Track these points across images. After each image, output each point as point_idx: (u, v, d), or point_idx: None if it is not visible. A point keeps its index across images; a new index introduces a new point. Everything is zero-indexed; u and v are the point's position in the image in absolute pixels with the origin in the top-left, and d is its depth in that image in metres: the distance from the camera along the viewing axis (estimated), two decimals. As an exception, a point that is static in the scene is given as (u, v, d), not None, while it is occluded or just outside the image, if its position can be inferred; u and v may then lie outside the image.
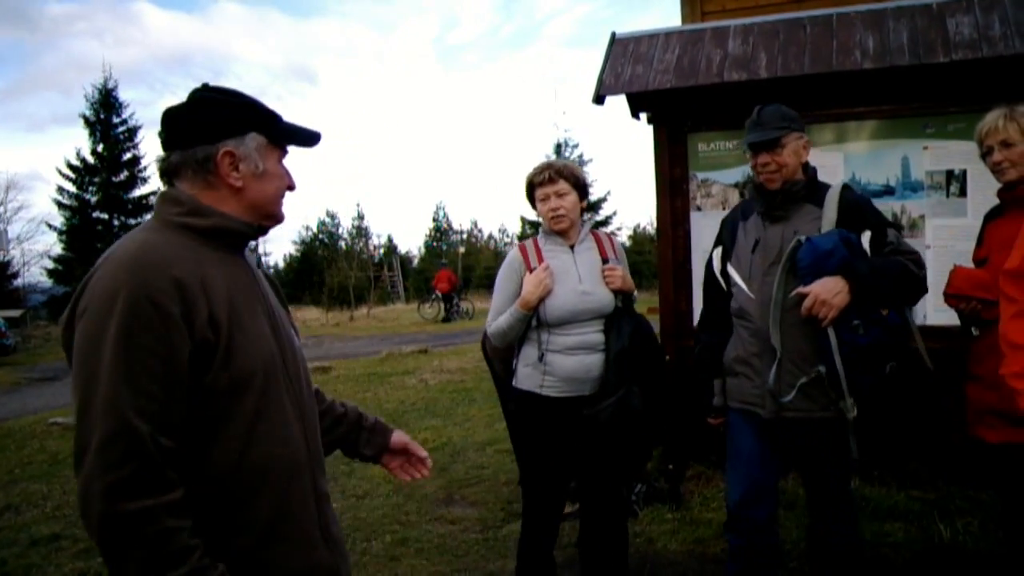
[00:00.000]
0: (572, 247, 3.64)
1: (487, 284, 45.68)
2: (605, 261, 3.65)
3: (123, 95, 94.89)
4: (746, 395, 3.23)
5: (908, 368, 3.03)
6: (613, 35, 5.93)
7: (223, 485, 1.67)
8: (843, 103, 5.39)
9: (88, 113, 35.21)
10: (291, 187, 1.89)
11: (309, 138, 1.90)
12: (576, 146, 45.12)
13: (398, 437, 2.29)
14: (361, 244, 47.29)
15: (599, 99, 5.54)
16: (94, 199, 34.70)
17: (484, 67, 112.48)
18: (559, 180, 3.55)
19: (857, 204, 3.11)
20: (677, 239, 5.83)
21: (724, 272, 3.34)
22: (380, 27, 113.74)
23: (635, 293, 3.69)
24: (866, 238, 3.04)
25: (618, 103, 5.80)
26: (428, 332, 22.32)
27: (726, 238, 3.37)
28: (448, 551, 4.77)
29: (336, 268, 37.04)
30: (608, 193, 42.90)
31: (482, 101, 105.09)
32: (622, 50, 5.81)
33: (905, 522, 4.61)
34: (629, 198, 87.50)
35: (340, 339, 21.97)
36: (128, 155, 35.70)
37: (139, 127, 35.75)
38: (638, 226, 49.26)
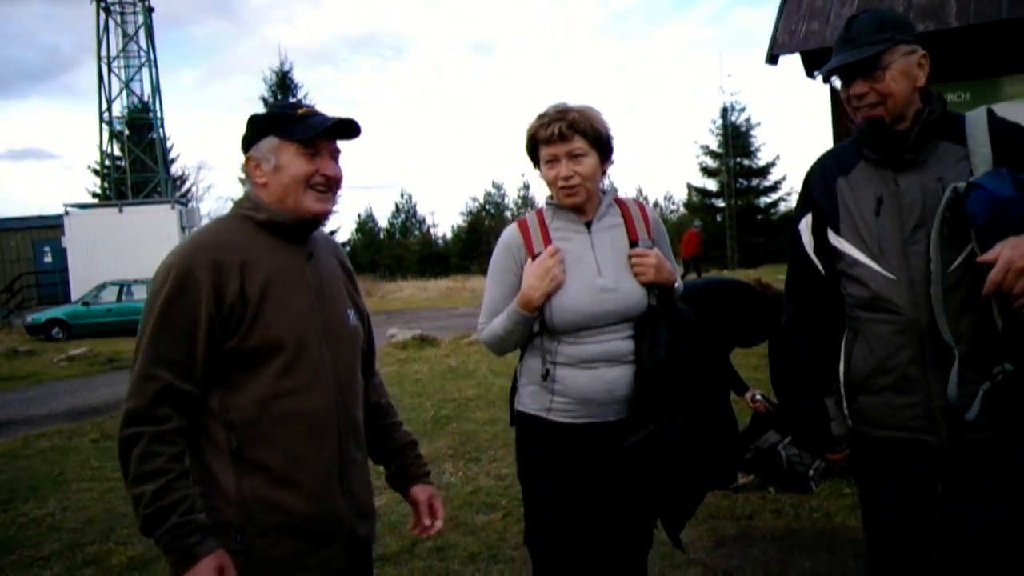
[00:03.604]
0: (588, 225, 2.68)
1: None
2: (634, 243, 2.67)
3: (310, 76, 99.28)
4: (899, 418, 2.32)
5: None
6: (787, -9, 5.70)
7: (244, 429, 1.99)
8: (1046, 51, 4.93)
9: (267, 95, 37.13)
10: (314, 174, 2.09)
11: (309, 128, 2.08)
12: (743, 109, 43.84)
13: (417, 493, 2.43)
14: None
15: (773, 59, 5.36)
16: (275, 176, 36.61)
17: (648, 30, 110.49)
18: (573, 137, 2.57)
19: (1014, 133, 2.28)
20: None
21: (825, 247, 2.42)
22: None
23: (680, 284, 2.78)
24: None
25: (791, 62, 5.58)
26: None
27: (821, 200, 2.44)
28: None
29: (502, 238, 37.53)
30: (777, 157, 41.46)
31: (646, 65, 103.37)
32: (796, 6, 5.57)
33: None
34: (799, 162, 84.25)
35: (507, 308, 22.28)
36: (305, 133, 37.45)
37: (313, 106, 37.40)
38: (809, 190, 47.37)
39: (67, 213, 25.93)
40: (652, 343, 2.58)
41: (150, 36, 34.96)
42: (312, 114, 2.12)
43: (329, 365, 2.11)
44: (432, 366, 11.16)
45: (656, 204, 57.99)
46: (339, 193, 2.19)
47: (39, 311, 23.38)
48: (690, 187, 42.38)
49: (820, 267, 2.45)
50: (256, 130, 2.14)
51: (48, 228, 29.18)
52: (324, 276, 2.19)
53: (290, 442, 2.03)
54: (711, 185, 40.82)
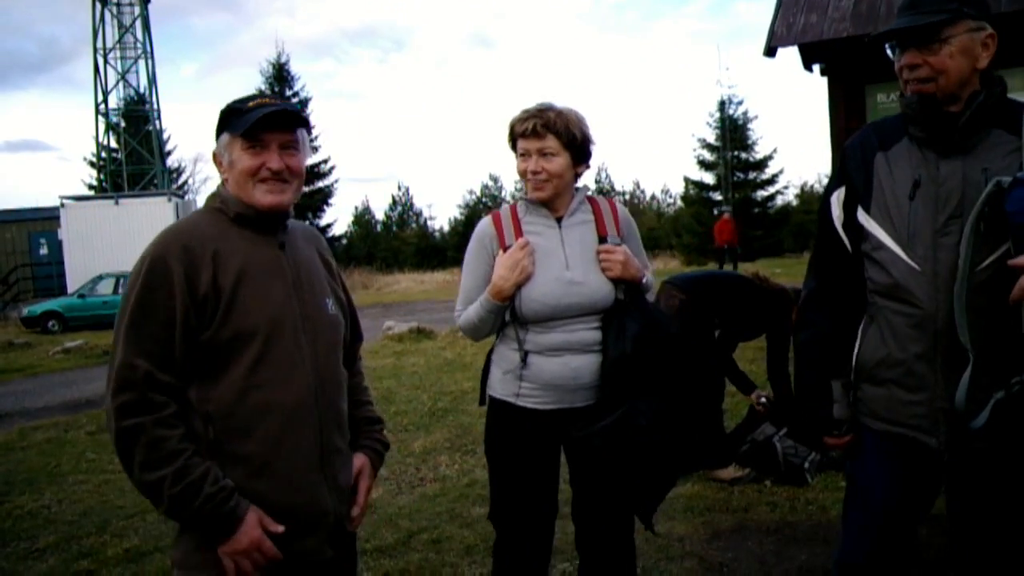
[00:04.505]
0: (559, 220, 2.80)
1: (649, 245, 45.21)
2: (603, 240, 2.79)
3: (311, 68, 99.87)
4: (901, 414, 2.24)
5: None
6: (785, -17, 5.68)
7: (222, 421, 1.98)
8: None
9: (264, 87, 37.10)
10: (259, 168, 2.07)
11: (247, 121, 2.04)
12: (740, 102, 43.77)
13: (359, 459, 2.32)
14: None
15: (770, 51, 5.34)
16: (271, 168, 36.60)
17: (648, 23, 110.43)
18: (547, 136, 2.69)
19: None
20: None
21: (853, 225, 2.30)
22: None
23: (648, 278, 2.85)
24: None
25: (789, 55, 5.57)
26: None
27: (856, 175, 2.29)
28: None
29: (499, 231, 37.43)
30: (775, 151, 41.31)
31: (643, 59, 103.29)
32: (794, -1, 5.56)
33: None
34: (797, 155, 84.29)
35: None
36: (301, 125, 37.44)
37: (310, 98, 37.59)
38: (805, 184, 47.38)
39: (63, 205, 25.89)
40: (618, 334, 2.68)
41: (147, 28, 34.85)
42: (261, 106, 2.08)
43: (308, 355, 2.11)
44: (429, 359, 11.15)
45: (653, 197, 57.95)
46: (298, 184, 2.16)
47: (35, 303, 23.33)
48: (687, 180, 42.23)
49: (848, 244, 2.33)
50: (217, 127, 2.15)
51: (44, 220, 29.09)
52: (301, 266, 2.19)
53: (268, 432, 2.02)
54: (708, 178, 40.70)
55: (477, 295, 2.79)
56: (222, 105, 2.13)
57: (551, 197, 2.76)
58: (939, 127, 2.14)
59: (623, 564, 2.91)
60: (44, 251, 29.18)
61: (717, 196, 39.93)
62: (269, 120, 2.05)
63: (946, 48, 2.09)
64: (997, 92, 2.14)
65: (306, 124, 2.17)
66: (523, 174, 2.77)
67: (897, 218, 2.18)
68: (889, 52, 2.23)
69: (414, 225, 54.13)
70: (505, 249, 2.75)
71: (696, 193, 41.69)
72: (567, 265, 2.73)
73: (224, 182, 2.15)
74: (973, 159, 2.12)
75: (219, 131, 2.13)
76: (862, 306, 2.35)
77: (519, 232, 2.78)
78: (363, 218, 52.95)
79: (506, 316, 2.77)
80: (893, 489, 2.31)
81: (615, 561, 2.88)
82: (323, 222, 39.70)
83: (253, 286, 2.04)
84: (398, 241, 50.40)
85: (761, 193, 39.95)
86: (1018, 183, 1.97)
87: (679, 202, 47.45)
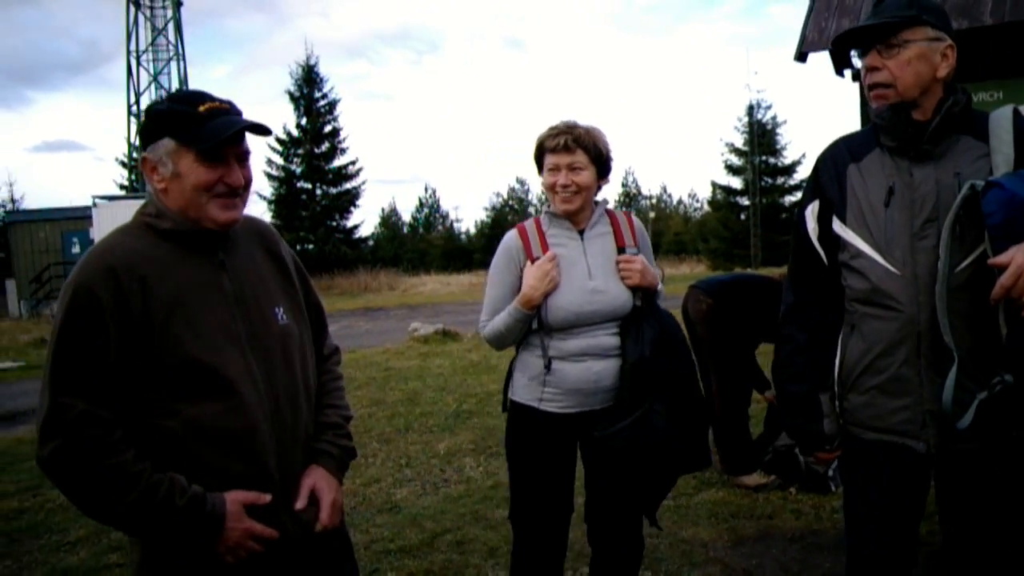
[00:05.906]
0: (581, 232, 2.95)
1: (676, 250, 45.04)
2: (622, 250, 2.95)
3: (345, 70, 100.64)
4: (888, 420, 2.26)
5: None
6: (816, -12, 5.65)
7: (166, 453, 1.86)
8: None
9: (292, 89, 37.44)
10: (216, 183, 1.90)
11: (209, 135, 1.87)
12: (769, 107, 43.58)
13: (310, 477, 2.11)
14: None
15: (802, 56, 5.30)
16: (299, 170, 36.94)
17: (672, 28, 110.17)
18: (576, 150, 2.85)
19: None
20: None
21: (829, 236, 2.34)
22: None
23: (661, 287, 3.00)
24: None
25: (820, 59, 5.54)
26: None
27: (829, 187, 2.33)
28: (639, 516, 4.78)
29: (525, 234, 37.49)
30: (803, 156, 40.96)
31: (671, 63, 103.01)
32: (826, 3, 5.52)
33: None
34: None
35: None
36: (328, 127, 37.84)
37: (338, 100, 37.89)
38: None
39: (95, 205, 26.21)
40: (637, 338, 2.82)
41: (179, 30, 35.36)
42: (216, 112, 1.90)
43: (260, 377, 1.96)
44: (454, 361, 11.17)
45: (680, 202, 57.76)
46: (248, 194, 2.02)
47: (67, 301, 23.59)
48: (715, 185, 42.12)
49: (823, 256, 2.36)
50: (149, 128, 1.93)
51: (77, 219, 29.48)
52: (244, 280, 2.02)
53: (218, 463, 1.90)
54: (736, 183, 40.58)
55: (504, 305, 2.92)
56: (252, 106, 2.06)
57: (579, 209, 2.91)
58: (910, 135, 2.19)
59: (632, 556, 3.09)
60: (76, 249, 29.51)
61: (744, 201, 39.79)
62: (234, 135, 1.90)
63: (904, 52, 2.15)
64: (963, 100, 2.19)
65: (270, 134, 2.05)
66: (551, 188, 2.90)
67: (874, 225, 2.23)
68: (856, 61, 2.29)
69: (440, 227, 54.43)
70: (532, 260, 2.89)
71: (723, 198, 41.57)
72: (590, 275, 2.89)
73: (161, 191, 1.93)
74: (944, 165, 2.17)
75: (157, 134, 1.90)
76: (840, 318, 2.38)
77: (544, 244, 2.93)
78: (390, 220, 53.29)
79: (533, 324, 2.89)
80: (886, 496, 2.32)
81: (625, 554, 3.06)
82: (350, 223, 39.88)
83: (190, 313, 1.88)
84: (424, 243, 50.69)
85: (789, 198, 39.72)
86: (992, 186, 2.03)
87: (706, 207, 47.30)
